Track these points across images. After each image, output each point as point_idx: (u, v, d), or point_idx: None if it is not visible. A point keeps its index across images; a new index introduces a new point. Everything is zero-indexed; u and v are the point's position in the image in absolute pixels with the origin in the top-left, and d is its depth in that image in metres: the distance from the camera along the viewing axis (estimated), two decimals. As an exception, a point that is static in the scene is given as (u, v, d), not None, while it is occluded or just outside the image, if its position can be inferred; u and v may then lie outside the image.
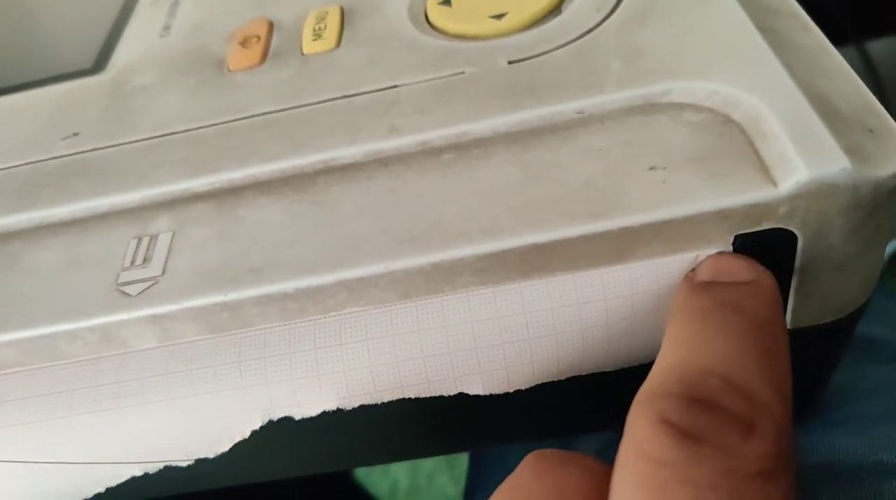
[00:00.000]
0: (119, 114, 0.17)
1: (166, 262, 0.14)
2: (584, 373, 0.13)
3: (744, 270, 0.12)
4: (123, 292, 0.13)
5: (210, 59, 0.18)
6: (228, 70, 0.17)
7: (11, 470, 0.14)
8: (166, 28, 0.20)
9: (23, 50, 0.22)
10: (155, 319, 0.13)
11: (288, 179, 0.14)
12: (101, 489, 0.14)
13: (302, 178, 0.14)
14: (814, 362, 0.15)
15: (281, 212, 0.14)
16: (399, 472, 0.55)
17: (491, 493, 0.12)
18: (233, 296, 0.13)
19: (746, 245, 0.12)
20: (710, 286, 0.12)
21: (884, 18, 0.41)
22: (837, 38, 0.16)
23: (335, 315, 0.13)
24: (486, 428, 0.15)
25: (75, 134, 0.17)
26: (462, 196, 0.13)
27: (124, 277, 0.13)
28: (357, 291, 0.13)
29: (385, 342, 0.13)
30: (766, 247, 0.12)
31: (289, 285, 0.13)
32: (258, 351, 0.13)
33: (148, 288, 0.13)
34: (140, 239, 0.14)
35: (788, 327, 0.14)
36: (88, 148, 0.16)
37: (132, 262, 0.14)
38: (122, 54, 0.19)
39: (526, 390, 0.13)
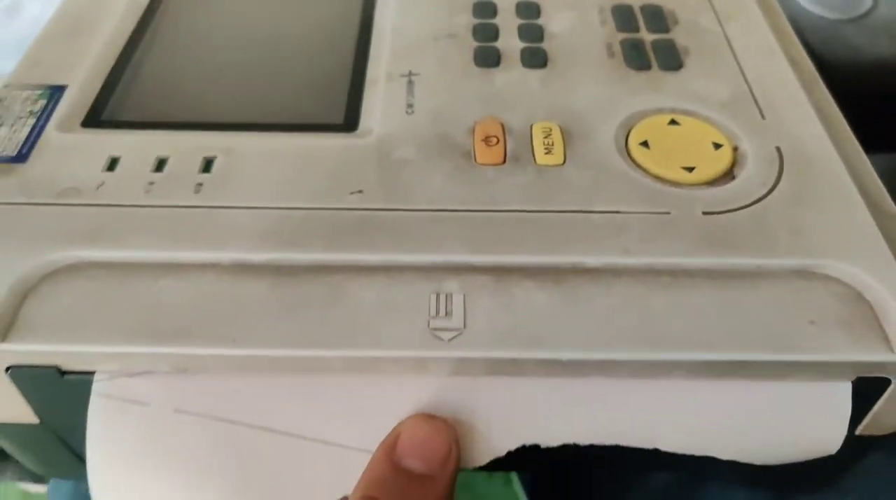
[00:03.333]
0: (393, 181, 0.22)
1: (465, 318, 0.19)
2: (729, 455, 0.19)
3: (435, 461, 0.18)
4: (437, 337, 0.18)
5: (459, 149, 0.23)
6: (476, 162, 0.23)
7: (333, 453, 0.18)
8: (409, 106, 0.24)
9: (268, 92, 0.26)
10: (458, 361, 0.18)
11: (546, 271, 0.20)
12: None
13: (556, 272, 0.20)
14: (859, 455, 0.22)
15: (545, 297, 0.19)
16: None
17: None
18: (525, 355, 0.18)
19: (861, 383, 0.19)
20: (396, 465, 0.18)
21: (886, 137, 0.50)
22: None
23: (587, 379, 0.18)
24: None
25: (360, 191, 0.22)
26: (681, 315, 0.19)
27: (434, 323, 0.19)
28: (607, 368, 0.18)
29: (617, 403, 0.18)
30: (870, 385, 0.19)
31: (563, 355, 0.18)
32: (527, 395, 0.19)
33: (455, 337, 0.18)
34: (438, 295, 0.19)
35: (857, 433, 0.20)
36: (375, 207, 0.21)
37: (437, 312, 0.19)
38: (373, 120, 0.24)
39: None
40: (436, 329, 0.18)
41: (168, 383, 0.19)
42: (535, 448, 0.19)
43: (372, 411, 0.19)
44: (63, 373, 0.19)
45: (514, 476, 0.58)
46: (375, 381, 0.19)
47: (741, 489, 0.25)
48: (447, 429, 0.18)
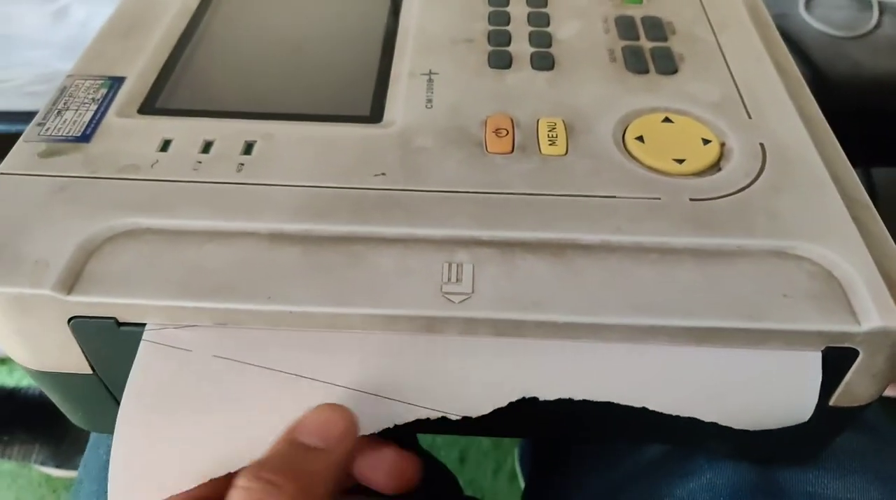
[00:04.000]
0: (412, 166, 0.24)
1: (473, 284, 0.21)
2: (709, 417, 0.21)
3: (332, 437, 0.20)
4: (448, 299, 0.21)
5: (472, 139, 0.25)
6: (487, 151, 0.25)
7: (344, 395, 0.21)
8: (429, 101, 0.27)
9: (303, 86, 0.29)
10: (467, 321, 0.21)
11: (545, 246, 0.22)
12: (396, 422, 0.21)
13: (555, 247, 0.22)
14: (835, 429, 0.24)
15: (545, 268, 0.22)
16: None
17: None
18: (526, 317, 0.20)
19: (830, 352, 0.21)
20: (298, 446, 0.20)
21: (887, 151, 0.52)
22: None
23: (578, 342, 0.21)
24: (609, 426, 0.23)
25: (383, 174, 0.24)
26: (666, 287, 0.21)
27: (447, 288, 0.21)
28: (595, 331, 0.21)
29: (607, 364, 0.21)
30: (840, 355, 0.21)
31: (559, 318, 0.20)
32: (527, 353, 0.21)
33: (465, 300, 0.21)
34: (450, 264, 0.22)
35: (831, 404, 0.22)
36: (396, 187, 0.24)
37: (449, 279, 0.21)
38: (396, 113, 0.27)
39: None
40: (447, 293, 0.21)
41: (209, 333, 0.21)
42: (533, 401, 0.21)
43: (386, 364, 0.21)
44: (119, 324, 0.21)
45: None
46: (391, 338, 0.21)
47: (727, 462, 0.27)
48: (348, 414, 0.20)
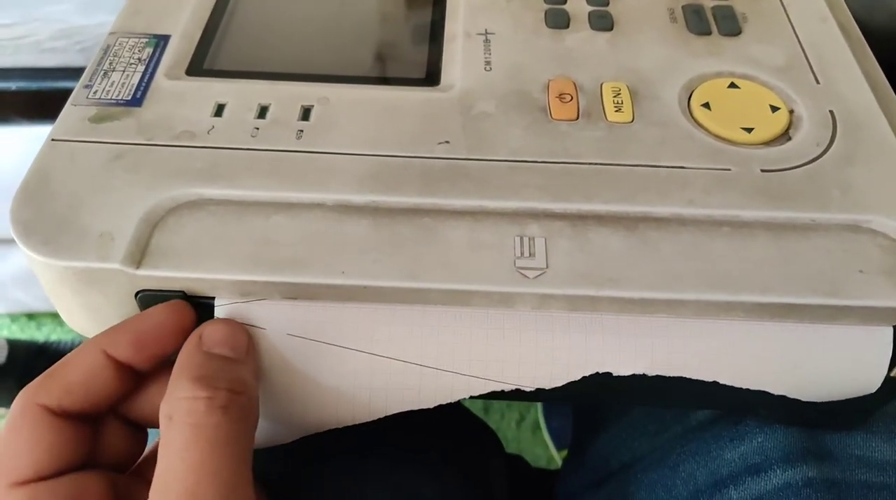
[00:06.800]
0: (476, 133, 0.24)
1: (547, 259, 0.21)
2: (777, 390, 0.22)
3: (240, 347, 0.20)
4: (523, 274, 0.21)
5: (534, 104, 0.25)
6: (551, 117, 0.24)
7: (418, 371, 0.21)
8: (488, 63, 0.26)
9: (353, 45, 0.28)
10: (541, 297, 0.20)
11: (618, 219, 0.22)
12: (472, 395, 0.21)
13: (628, 220, 0.22)
14: (888, 397, 0.24)
15: (619, 242, 0.21)
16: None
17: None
18: (601, 293, 0.20)
19: None
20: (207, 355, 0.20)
21: None
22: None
23: (652, 317, 0.21)
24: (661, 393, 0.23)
25: (447, 142, 0.23)
26: (741, 261, 0.21)
27: (520, 263, 0.21)
28: (671, 306, 0.21)
29: (681, 339, 0.21)
30: None
31: (635, 294, 0.20)
32: (601, 328, 0.21)
33: (539, 276, 0.21)
34: (522, 238, 0.21)
35: (889, 374, 0.23)
36: (461, 156, 0.23)
37: (521, 253, 0.21)
38: (454, 76, 0.26)
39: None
40: (521, 268, 0.21)
41: (281, 310, 0.21)
42: (607, 375, 0.21)
43: (461, 339, 0.21)
44: (187, 297, 0.21)
45: (543, 423, 0.61)
46: (465, 312, 0.21)
47: (777, 426, 0.28)
48: (244, 329, 0.21)
